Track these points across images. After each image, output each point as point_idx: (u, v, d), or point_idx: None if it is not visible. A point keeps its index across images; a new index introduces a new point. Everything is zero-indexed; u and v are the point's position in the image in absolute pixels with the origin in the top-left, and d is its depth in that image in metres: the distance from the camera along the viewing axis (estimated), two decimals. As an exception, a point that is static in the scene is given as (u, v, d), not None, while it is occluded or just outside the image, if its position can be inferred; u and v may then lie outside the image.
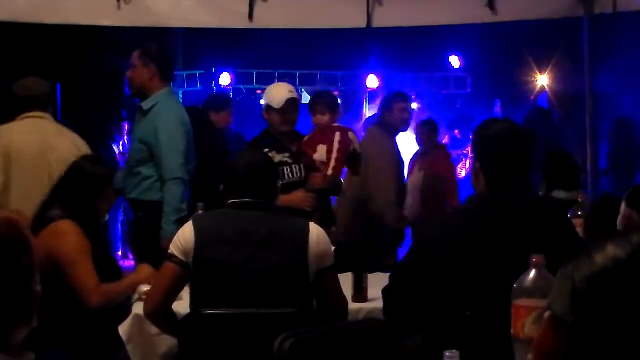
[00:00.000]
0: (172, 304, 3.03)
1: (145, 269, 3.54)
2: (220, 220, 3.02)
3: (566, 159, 4.43)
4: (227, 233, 2.93)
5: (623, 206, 3.08)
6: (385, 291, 2.78)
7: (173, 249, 2.96)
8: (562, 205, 4.08)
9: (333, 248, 3.06)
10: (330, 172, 4.75)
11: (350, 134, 4.84)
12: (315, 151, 4.75)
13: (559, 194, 4.25)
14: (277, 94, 4.65)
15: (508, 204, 2.62)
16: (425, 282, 2.62)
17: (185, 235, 2.94)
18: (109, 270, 3.48)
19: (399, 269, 2.81)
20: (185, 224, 3.01)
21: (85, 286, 3.31)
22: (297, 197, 4.47)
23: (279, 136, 4.64)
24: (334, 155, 4.80)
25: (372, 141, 5.50)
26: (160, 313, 3.02)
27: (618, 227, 3.13)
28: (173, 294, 3.01)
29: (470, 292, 2.55)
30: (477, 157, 2.73)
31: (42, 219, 3.42)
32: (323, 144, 4.83)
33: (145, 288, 3.31)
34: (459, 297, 2.57)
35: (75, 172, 3.57)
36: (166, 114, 4.55)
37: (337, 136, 4.90)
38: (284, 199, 4.00)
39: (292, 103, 4.60)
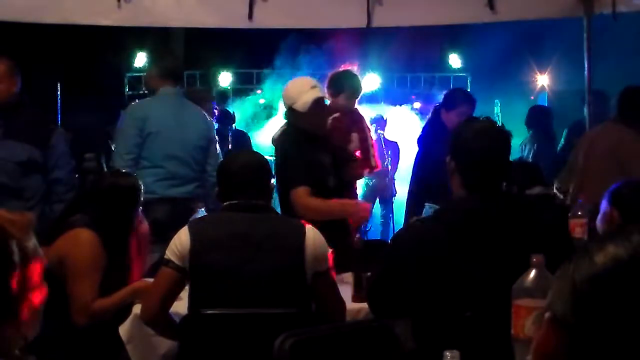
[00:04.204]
0: (169, 309, 3.01)
1: (141, 281, 3.49)
2: (216, 223, 3.00)
3: (527, 162, 4.56)
4: (223, 237, 2.91)
5: (604, 205, 3.07)
6: (367, 293, 2.86)
7: (169, 254, 2.94)
8: (537, 204, 4.13)
9: (330, 250, 3.05)
10: (374, 163, 4.62)
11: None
12: (349, 141, 4.60)
13: (534, 191, 4.33)
14: (300, 93, 4.09)
15: (482, 211, 2.60)
16: (400, 287, 2.66)
17: (181, 240, 2.92)
18: (121, 282, 3.46)
19: (378, 272, 2.84)
20: (181, 229, 2.97)
21: (78, 303, 3.31)
22: (360, 209, 3.97)
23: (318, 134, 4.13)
24: (371, 143, 4.65)
25: (626, 142, 4.71)
26: (158, 318, 3.01)
27: (598, 226, 3.13)
28: (170, 299, 2.99)
29: (441, 298, 2.56)
30: (453, 157, 2.71)
31: (64, 222, 3.44)
32: (353, 131, 4.66)
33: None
34: (433, 302, 2.58)
35: (112, 189, 3.55)
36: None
37: (366, 122, 4.71)
38: (335, 208, 3.87)
39: (319, 103, 4.11)
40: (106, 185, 3.59)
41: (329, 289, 3.01)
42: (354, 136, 4.58)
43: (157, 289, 3.00)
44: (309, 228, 2.98)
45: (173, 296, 3.00)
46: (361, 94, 4.71)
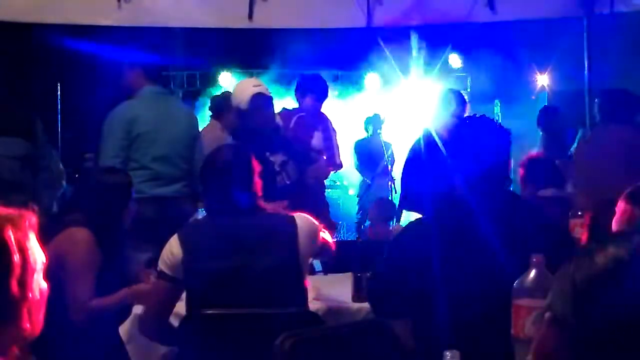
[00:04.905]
0: (167, 319, 2.99)
1: (139, 285, 3.48)
2: (206, 230, 2.95)
3: (546, 159, 4.51)
4: (215, 243, 2.87)
5: (622, 206, 3.06)
6: (368, 292, 2.93)
7: (161, 265, 2.91)
8: (548, 202, 4.11)
9: (324, 232, 3.05)
10: (338, 160, 4.73)
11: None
12: (311, 137, 4.68)
13: (547, 192, 4.29)
14: (242, 92, 4.34)
15: (481, 211, 2.59)
16: (400, 286, 2.68)
17: (172, 251, 2.89)
18: (116, 282, 3.46)
19: (378, 272, 2.87)
20: (171, 239, 2.92)
21: (76, 302, 3.31)
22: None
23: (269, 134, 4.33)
24: (335, 143, 4.76)
25: (628, 141, 4.69)
26: (157, 329, 3.00)
27: (616, 225, 3.12)
28: (167, 310, 2.97)
29: (441, 298, 2.56)
30: (452, 156, 2.71)
31: (59, 222, 3.44)
32: (316, 130, 4.77)
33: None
34: (433, 301, 2.58)
35: (100, 185, 3.56)
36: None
37: (331, 123, 4.87)
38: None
39: (260, 98, 4.31)
40: (97, 182, 3.60)
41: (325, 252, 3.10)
42: (317, 134, 4.71)
43: (153, 302, 2.99)
44: (299, 218, 2.95)
45: (170, 307, 2.98)
46: (327, 98, 4.92)
